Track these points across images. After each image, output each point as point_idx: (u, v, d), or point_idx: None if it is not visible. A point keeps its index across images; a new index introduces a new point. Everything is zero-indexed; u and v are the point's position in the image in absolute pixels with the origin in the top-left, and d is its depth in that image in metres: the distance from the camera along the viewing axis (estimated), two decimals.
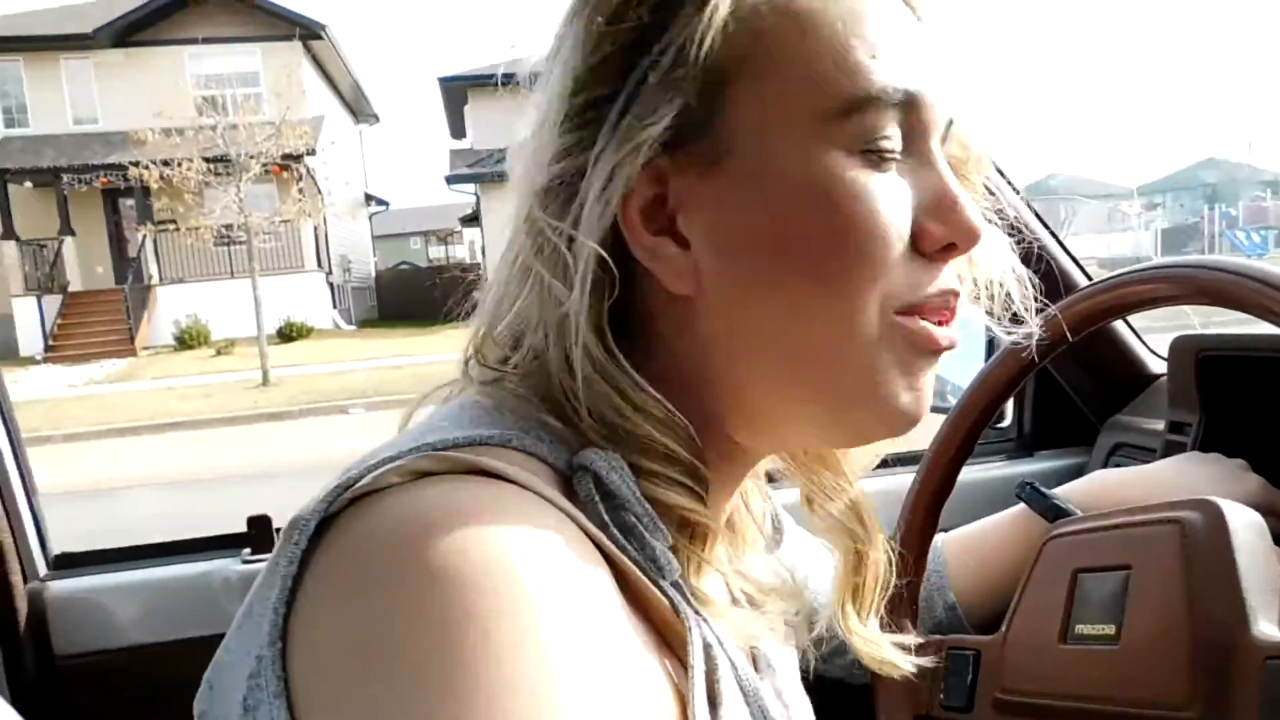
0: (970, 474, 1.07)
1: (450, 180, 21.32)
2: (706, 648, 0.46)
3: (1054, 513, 1.05)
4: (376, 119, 27.02)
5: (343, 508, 0.42)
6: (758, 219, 0.48)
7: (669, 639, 0.46)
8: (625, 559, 0.44)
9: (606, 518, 0.45)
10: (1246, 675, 0.60)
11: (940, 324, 0.51)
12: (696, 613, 0.48)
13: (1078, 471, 1.23)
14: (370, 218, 26.62)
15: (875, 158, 0.48)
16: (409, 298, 22.83)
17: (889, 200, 0.48)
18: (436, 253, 37.09)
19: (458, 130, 25.52)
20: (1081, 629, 0.71)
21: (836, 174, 0.47)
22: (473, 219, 24.08)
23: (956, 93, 0.52)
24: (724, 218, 0.49)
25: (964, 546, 0.92)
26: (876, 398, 0.51)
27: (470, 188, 21.75)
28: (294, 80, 17.31)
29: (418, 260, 33.74)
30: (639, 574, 0.45)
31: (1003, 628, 0.79)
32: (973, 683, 0.79)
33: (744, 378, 0.51)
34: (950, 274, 0.52)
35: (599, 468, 0.46)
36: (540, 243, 0.49)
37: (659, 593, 0.46)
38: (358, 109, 25.64)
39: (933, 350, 0.51)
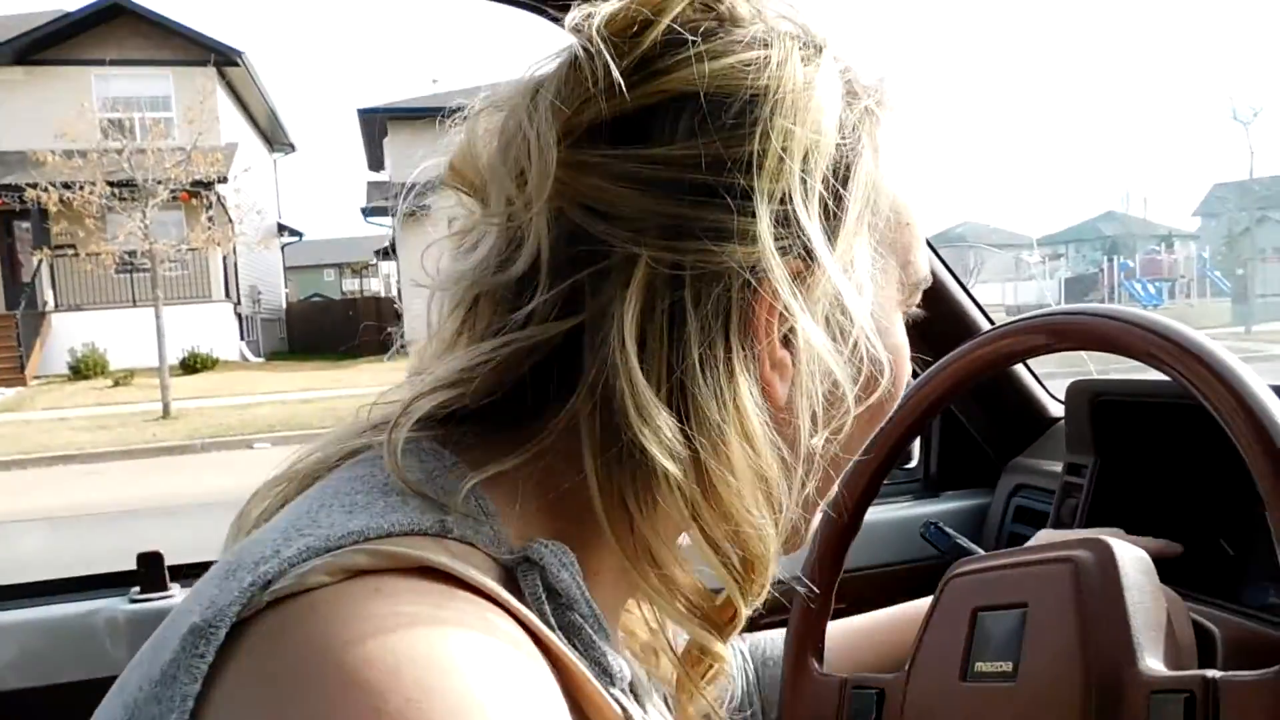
0: (877, 513, 1.09)
1: (366, 213, 21.11)
2: None
3: (956, 551, 1.08)
4: (292, 148, 26.59)
5: (258, 609, 0.37)
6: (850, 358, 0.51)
7: None
8: (577, 665, 0.41)
9: (553, 619, 0.42)
10: (1134, 710, 0.62)
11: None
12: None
13: (981, 511, 1.27)
14: (283, 248, 26.08)
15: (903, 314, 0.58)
16: (320, 330, 22.42)
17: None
18: (351, 285, 36.52)
19: (376, 162, 25.28)
20: (981, 666, 0.72)
21: (897, 329, 0.56)
22: (389, 252, 23.82)
23: None
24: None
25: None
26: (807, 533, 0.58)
27: (387, 220, 21.53)
28: (207, 106, 16.90)
29: (331, 293, 33.18)
30: (591, 680, 0.42)
31: (905, 666, 0.80)
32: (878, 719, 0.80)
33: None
34: None
35: (548, 563, 0.43)
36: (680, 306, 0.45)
37: (611, 701, 0.43)
38: (273, 137, 25.21)
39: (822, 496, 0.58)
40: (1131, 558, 0.68)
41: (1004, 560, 0.77)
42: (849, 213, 0.49)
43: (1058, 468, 1.16)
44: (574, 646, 0.43)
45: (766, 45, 0.47)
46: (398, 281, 22.04)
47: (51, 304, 17.69)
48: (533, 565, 0.43)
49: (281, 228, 25.24)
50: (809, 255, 0.47)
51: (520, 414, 0.48)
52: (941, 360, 0.86)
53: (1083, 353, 0.86)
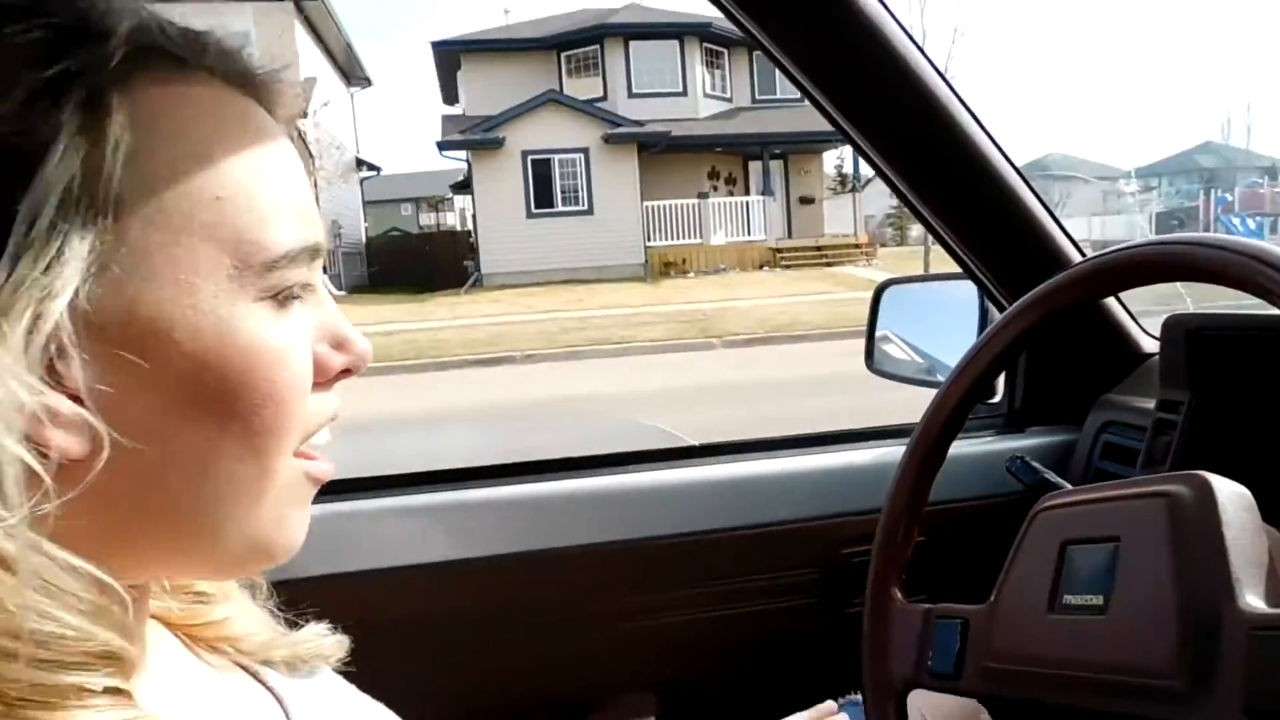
0: (961, 448, 1.07)
1: (442, 146, 21.21)
2: None
3: (1043, 486, 1.07)
4: (369, 83, 26.79)
5: None
6: (167, 365, 0.44)
7: None
8: None
9: None
10: (1233, 646, 0.60)
11: (320, 461, 0.53)
12: None
13: (1067, 448, 1.24)
14: (361, 183, 26.46)
15: (284, 301, 0.48)
16: (399, 264, 22.76)
17: (300, 347, 0.48)
18: (427, 219, 36.92)
19: (450, 96, 25.34)
20: (1070, 599, 0.72)
21: (252, 324, 0.46)
22: (464, 185, 23.95)
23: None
24: (126, 364, 0.43)
25: None
26: (283, 541, 0.51)
27: (462, 154, 21.63)
28: (285, 41, 17.12)
29: (408, 227, 33.58)
30: None
31: (991, 597, 0.79)
32: (960, 651, 0.80)
33: (150, 537, 0.47)
34: (330, 401, 0.53)
35: None
36: None
37: None
38: (350, 72, 25.41)
39: (320, 481, 0.53)
40: (1231, 492, 0.66)
41: (1095, 494, 0.76)
42: (39, 219, 0.40)
43: (1150, 404, 1.13)
44: None
45: None
46: (473, 215, 22.20)
47: None
48: None
49: (360, 162, 25.57)
50: None
51: None
52: (1029, 293, 0.84)
53: (1179, 288, 0.83)
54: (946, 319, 1.31)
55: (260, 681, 0.60)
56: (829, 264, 21.22)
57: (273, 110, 0.51)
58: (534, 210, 20.64)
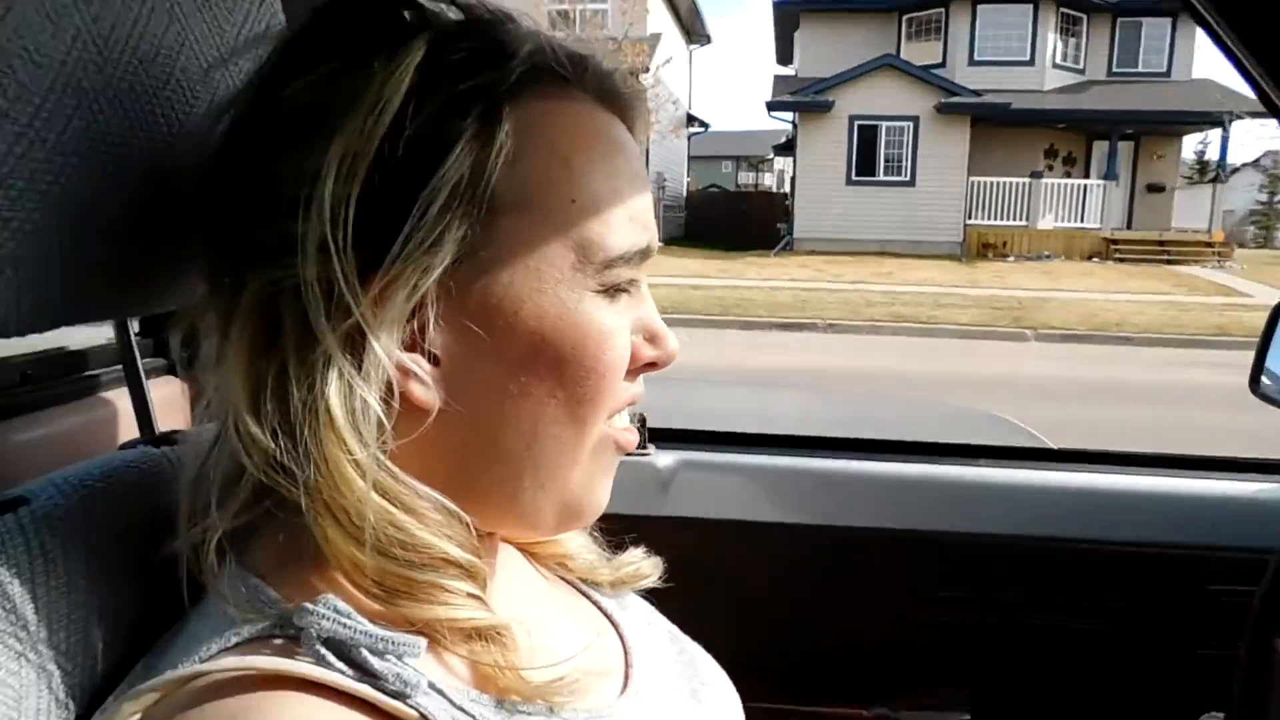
0: None
1: (771, 106, 21.23)
2: None
3: None
4: (708, 40, 27.25)
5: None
6: (508, 339, 0.52)
7: None
8: (370, 693, 0.46)
9: (339, 664, 0.47)
10: None
11: (629, 431, 0.59)
12: (467, 711, 0.50)
13: None
14: (689, 138, 27.10)
15: (614, 293, 0.55)
16: (716, 220, 23.18)
17: (624, 333, 0.56)
18: (745, 178, 37.25)
19: (785, 56, 25.27)
20: None
21: (587, 310, 0.54)
22: (786, 147, 23.90)
23: None
24: (472, 335, 0.52)
25: None
26: (591, 502, 0.59)
27: (789, 115, 21.55)
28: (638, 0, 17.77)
29: (727, 184, 34.09)
30: (385, 699, 0.46)
31: None
32: None
33: (483, 485, 0.55)
34: (640, 384, 0.60)
35: (315, 627, 0.47)
36: (310, 349, 0.49)
37: (409, 708, 0.47)
38: (692, 29, 25.97)
39: (626, 451, 0.60)
40: None
41: None
42: (432, 207, 0.49)
43: None
44: (365, 678, 0.47)
45: (340, 55, 0.51)
46: (791, 177, 22.13)
47: None
48: (297, 628, 0.47)
49: (690, 118, 26.17)
50: (378, 258, 0.49)
51: None
52: None
53: None
54: None
55: (589, 599, 0.71)
56: (1171, 261, 19.18)
57: (632, 127, 0.59)
58: (854, 177, 20.23)
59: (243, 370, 0.50)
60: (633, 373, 0.58)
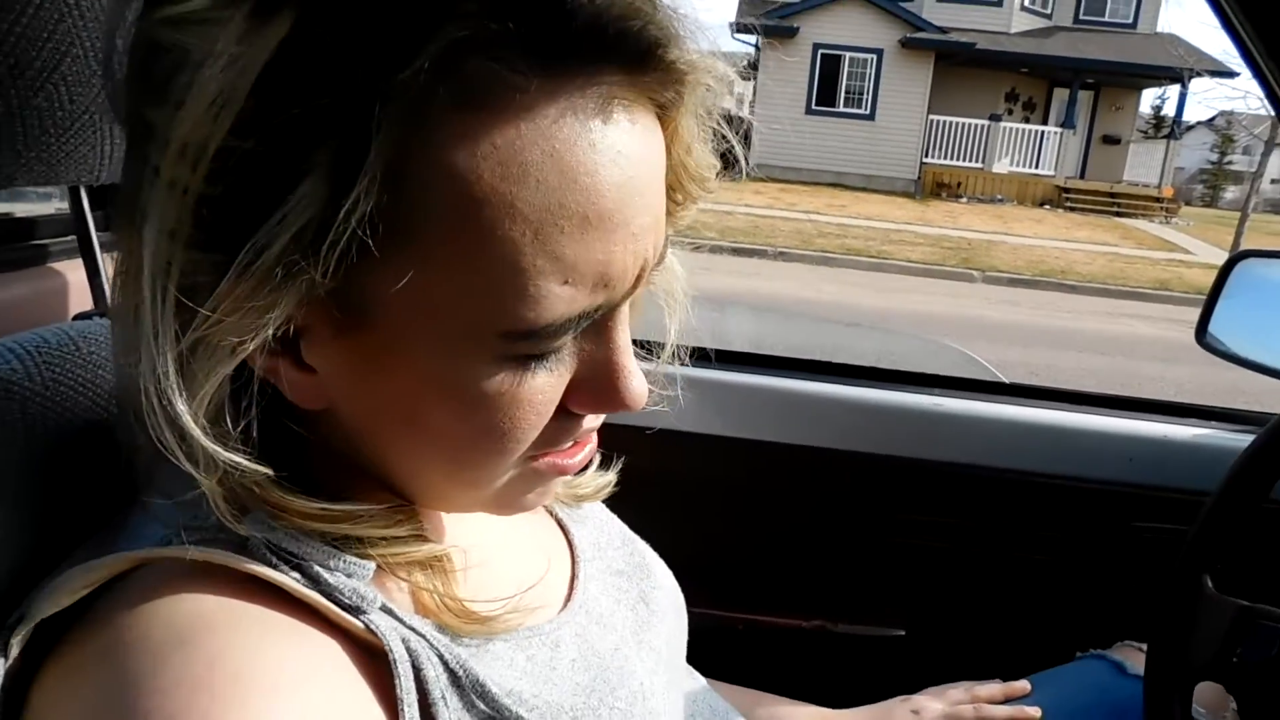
0: None
1: (735, 28, 20.83)
2: (418, 668, 0.45)
3: None
4: None
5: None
6: (391, 385, 0.44)
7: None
8: (321, 601, 0.44)
9: (291, 571, 0.44)
10: None
11: (573, 452, 0.50)
12: (416, 630, 0.47)
13: None
14: None
15: (530, 361, 0.44)
16: None
17: (537, 399, 0.45)
18: None
19: None
20: None
21: (483, 380, 0.43)
22: (750, 72, 23.60)
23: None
24: (355, 366, 0.44)
25: None
26: (510, 511, 0.52)
27: (752, 38, 21.24)
28: None
29: None
30: (336, 610, 0.44)
31: None
32: (1276, 655, 0.78)
33: (394, 477, 0.49)
34: (595, 419, 0.50)
35: (265, 534, 0.44)
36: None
37: (358, 622, 0.44)
38: None
39: (563, 475, 0.51)
40: None
41: None
42: (266, 252, 0.38)
43: None
44: (317, 588, 0.44)
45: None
46: (751, 102, 21.90)
47: None
48: (245, 534, 0.44)
49: None
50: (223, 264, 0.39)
51: None
52: None
53: None
54: None
55: (548, 511, 0.69)
56: (1120, 214, 19.52)
57: (667, 106, 0.46)
58: (814, 107, 20.09)
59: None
60: (569, 413, 0.48)
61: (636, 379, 0.48)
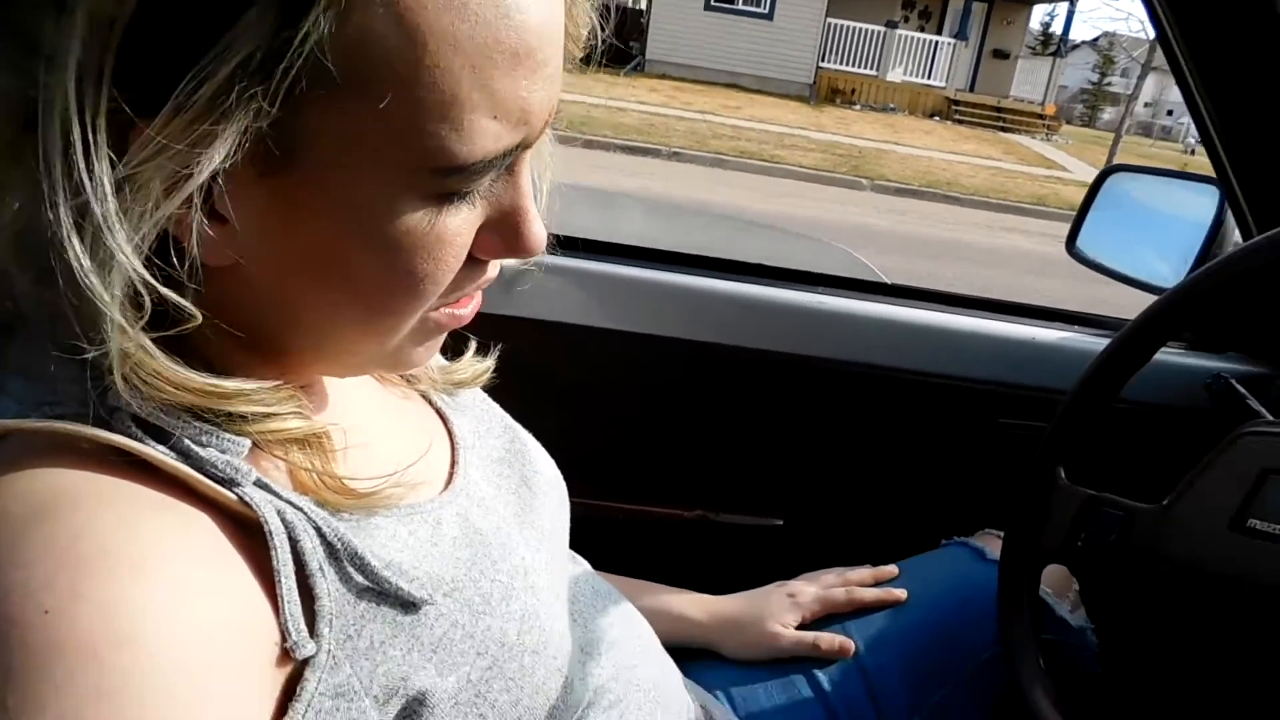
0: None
1: None
2: (294, 540, 0.45)
3: (1243, 412, 1.06)
4: None
5: None
6: (310, 231, 0.43)
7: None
8: (191, 474, 0.43)
9: (159, 445, 0.43)
10: None
11: (465, 303, 0.52)
12: (293, 504, 0.46)
13: (1263, 381, 1.22)
14: None
15: (452, 198, 0.45)
16: None
17: (456, 240, 0.46)
18: None
19: None
20: (1256, 523, 0.74)
21: (407, 219, 0.43)
22: None
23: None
24: (273, 213, 0.42)
25: None
26: (403, 367, 0.55)
27: None
28: None
29: None
30: (207, 483, 0.43)
31: (1164, 501, 0.82)
32: (1115, 540, 0.84)
33: (286, 339, 0.49)
34: (494, 267, 0.52)
35: (131, 407, 0.42)
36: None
37: (231, 494, 0.44)
38: None
39: (457, 325, 0.53)
40: None
41: None
42: (207, 84, 0.37)
43: None
44: (188, 461, 0.43)
45: None
46: None
47: None
48: (111, 407, 0.43)
49: None
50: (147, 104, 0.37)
51: None
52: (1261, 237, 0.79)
53: None
54: (1173, 222, 1.26)
55: (427, 400, 0.69)
56: (1005, 129, 20.03)
57: None
58: (712, 4, 19.73)
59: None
60: (475, 260, 0.49)
61: (539, 224, 0.50)
